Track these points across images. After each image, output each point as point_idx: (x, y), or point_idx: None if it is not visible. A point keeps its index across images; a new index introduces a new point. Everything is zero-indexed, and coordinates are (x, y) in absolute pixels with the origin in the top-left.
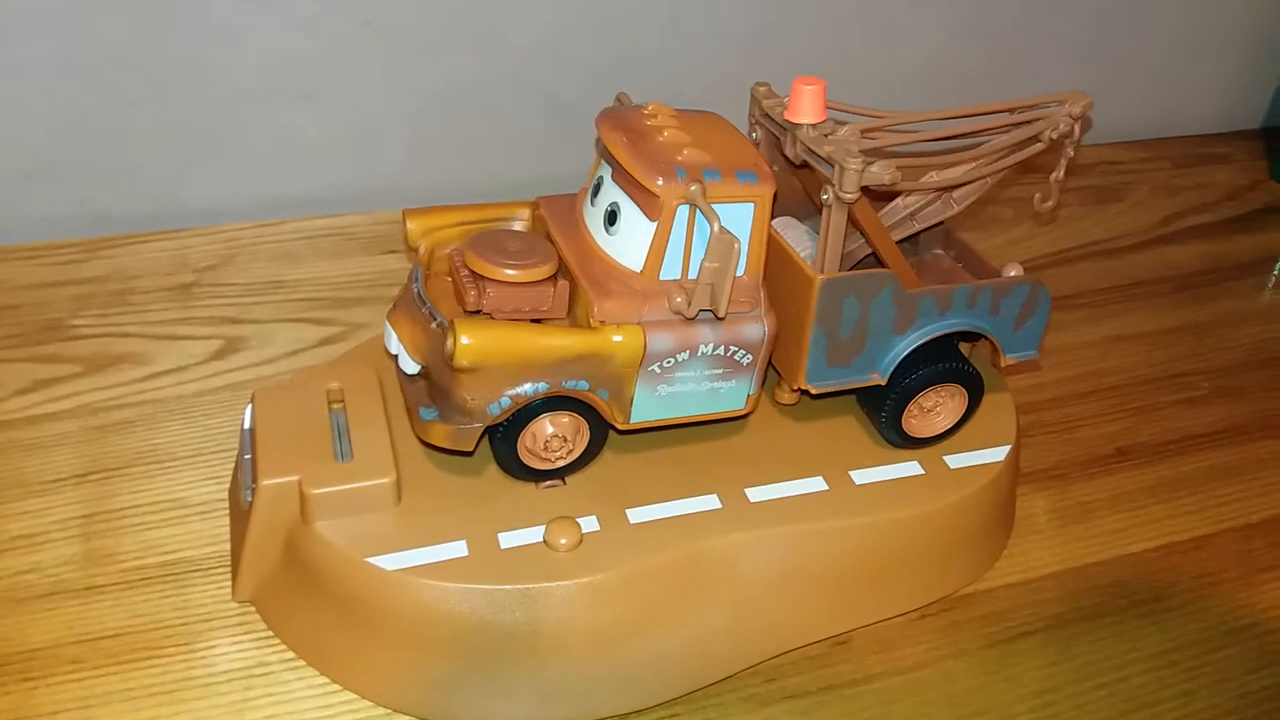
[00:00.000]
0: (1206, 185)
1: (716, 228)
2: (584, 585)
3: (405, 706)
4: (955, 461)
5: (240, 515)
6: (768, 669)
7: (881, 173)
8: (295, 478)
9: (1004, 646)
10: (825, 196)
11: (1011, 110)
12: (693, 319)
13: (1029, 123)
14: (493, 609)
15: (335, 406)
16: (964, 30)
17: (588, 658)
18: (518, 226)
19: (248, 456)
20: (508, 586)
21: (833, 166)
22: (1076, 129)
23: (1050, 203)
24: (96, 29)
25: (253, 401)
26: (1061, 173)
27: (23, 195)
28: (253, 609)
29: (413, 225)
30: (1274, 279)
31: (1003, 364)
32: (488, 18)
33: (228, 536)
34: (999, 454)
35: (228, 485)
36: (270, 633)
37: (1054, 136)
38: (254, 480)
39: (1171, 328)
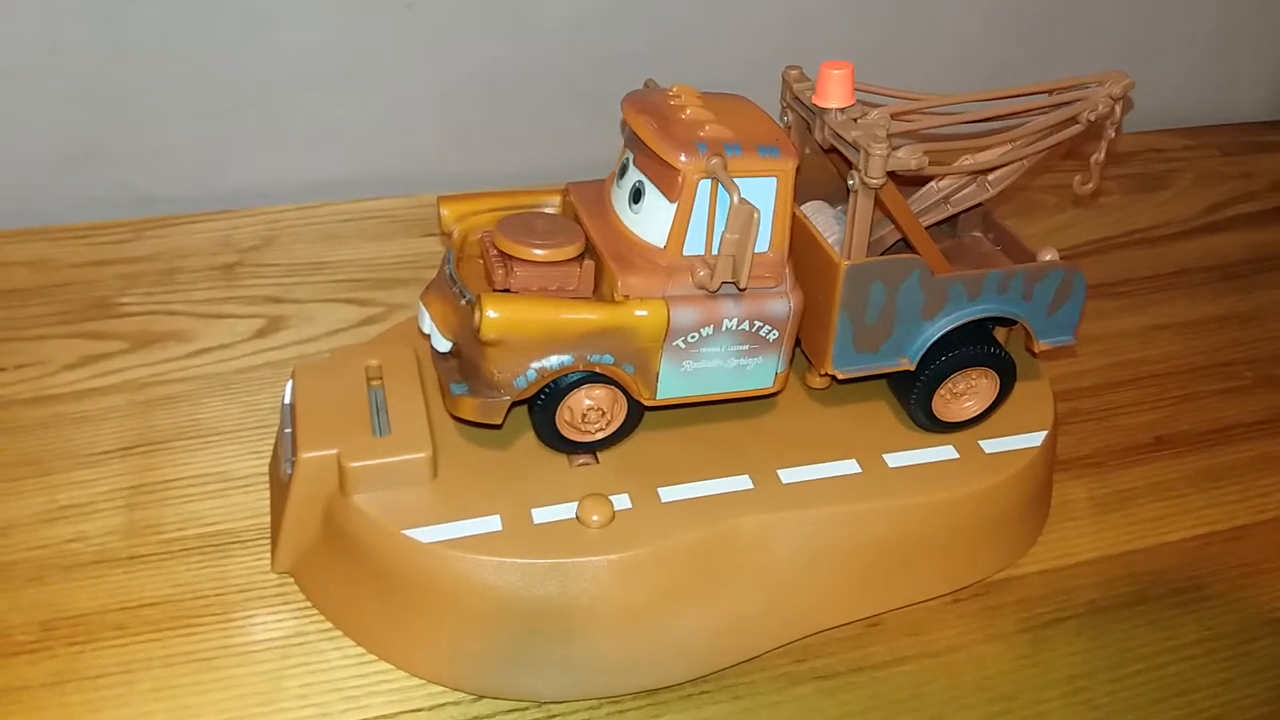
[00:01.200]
0: (1254, 174)
1: (736, 198)
2: (615, 561)
3: (439, 677)
4: (990, 446)
5: (280, 488)
6: (798, 649)
7: (908, 158)
8: (334, 451)
9: (1037, 632)
10: (851, 182)
11: (1049, 92)
12: (716, 293)
13: (1067, 104)
14: (525, 582)
15: (374, 383)
16: (1002, 15)
17: (618, 633)
18: (549, 211)
19: (288, 430)
20: (540, 561)
21: (858, 151)
22: (1117, 110)
23: (1090, 185)
24: (139, 12)
25: (293, 377)
26: (1102, 155)
27: (70, 177)
28: (291, 580)
29: (446, 211)
30: None
31: (1037, 349)
32: (522, 5)
33: (268, 509)
34: (1035, 439)
35: (266, 460)
36: (308, 603)
37: (1092, 118)
38: (293, 453)
39: (1216, 317)
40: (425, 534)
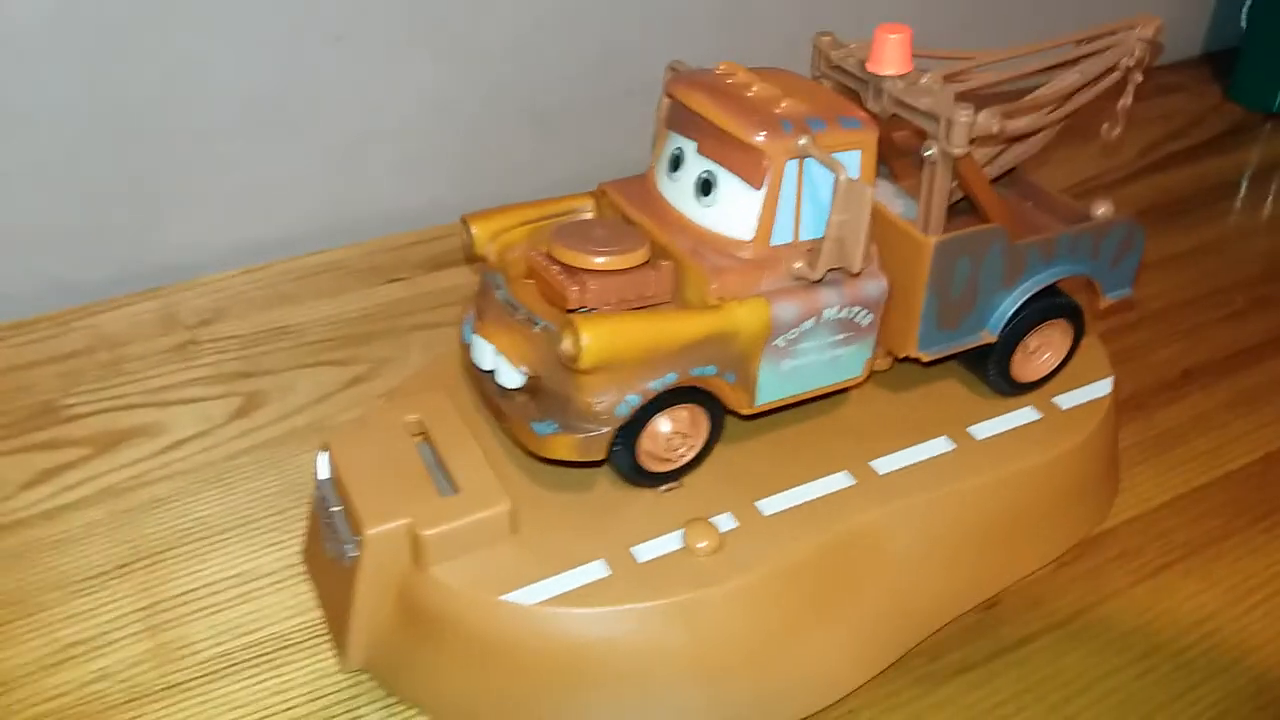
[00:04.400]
0: (1172, 114)
1: (843, 176)
2: (739, 588)
3: None
4: (1066, 401)
5: (336, 576)
6: (929, 647)
7: (989, 123)
8: (405, 521)
9: (1149, 583)
10: (929, 152)
11: (1079, 42)
12: (817, 282)
13: (1101, 53)
14: (649, 628)
15: (417, 440)
16: None
17: (759, 665)
18: (586, 217)
19: (336, 509)
20: (663, 601)
21: (937, 120)
22: (1146, 54)
23: (1117, 130)
24: (39, 76)
25: (328, 449)
26: (1129, 99)
27: None
28: (366, 677)
29: (478, 230)
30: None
31: (1103, 306)
32: (460, 24)
33: (311, 605)
34: (1104, 387)
35: (291, 551)
36: (394, 699)
37: (1130, 64)
38: (354, 533)
39: (1189, 250)
40: (526, 595)
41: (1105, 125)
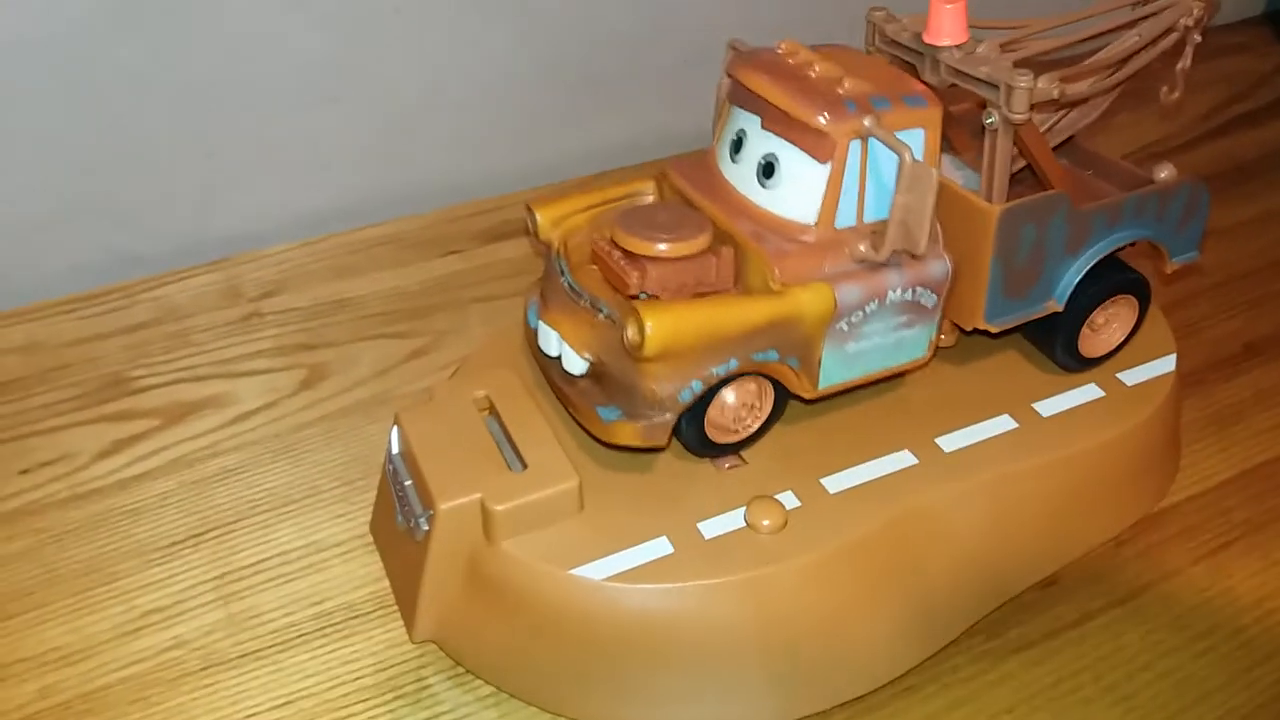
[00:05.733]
0: (1234, 75)
1: (908, 157)
2: (806, 565)
3: None
4: (1130, 378)
5: (407, 548)
6: (988, 625)
7: (1049, 88)
8: (476, 496)
9: (1208, 561)
10: (990, 120)
11: (1135, 4)
12: (882, 264)
13: (1159, 14)
14: (715, 604)
15: (483, 415)
16: None
17: (821, 642)
18: (650, 200)
19: (408, 483)
20: (727, 578)
21: (997, 88)
22: (1204, 14)
23: (1176, 93)
24: (103, 54)
25: (398, 424)
26: (1188, 61)
27: (45, 244)
28: (432, 648)
29: (543, 217)
30: None
31: (1169, 270)
32: None
33: (379, 576)
34: (1168, 364)
35: (358, 522)
36: (460, 670)
37: (1188, 25)
38: (427, 506)
39: (1252, 217)
40: (595, 570)
41: (1164, 88)
